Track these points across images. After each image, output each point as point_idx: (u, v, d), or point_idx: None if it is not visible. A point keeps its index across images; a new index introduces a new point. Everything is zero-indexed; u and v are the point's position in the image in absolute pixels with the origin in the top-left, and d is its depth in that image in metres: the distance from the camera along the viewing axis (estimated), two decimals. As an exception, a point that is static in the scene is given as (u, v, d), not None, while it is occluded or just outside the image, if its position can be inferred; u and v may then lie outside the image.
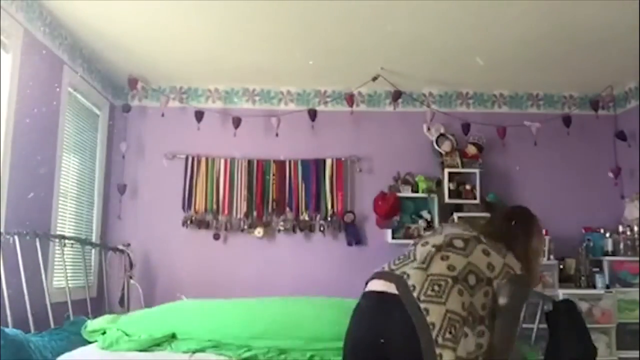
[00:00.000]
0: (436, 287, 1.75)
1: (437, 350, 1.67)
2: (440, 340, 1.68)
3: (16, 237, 2.85)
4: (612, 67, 4.20)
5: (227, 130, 4.57)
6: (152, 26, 3.63)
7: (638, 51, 3.75)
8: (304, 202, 4.52)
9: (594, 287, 4.20)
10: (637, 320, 4.07)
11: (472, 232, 1.93)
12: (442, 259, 1.82)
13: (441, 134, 4.63)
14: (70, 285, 3.38)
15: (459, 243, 1.86)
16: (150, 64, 4.29)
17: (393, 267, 1.88)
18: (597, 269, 4.27)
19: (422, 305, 1.72)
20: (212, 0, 3.25)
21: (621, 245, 4.32)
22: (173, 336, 2.73)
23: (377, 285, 1.87)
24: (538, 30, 3.58)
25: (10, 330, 2.48)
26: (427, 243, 1.90)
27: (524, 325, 3.29)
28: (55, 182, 3.61)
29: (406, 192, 4.54)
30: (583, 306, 3.99)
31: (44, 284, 3.12)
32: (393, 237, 4.50)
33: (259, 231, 4.47)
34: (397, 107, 4.63)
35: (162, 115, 4.54)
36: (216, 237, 4.50)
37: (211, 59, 4.18)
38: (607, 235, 4.40)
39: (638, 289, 4.13)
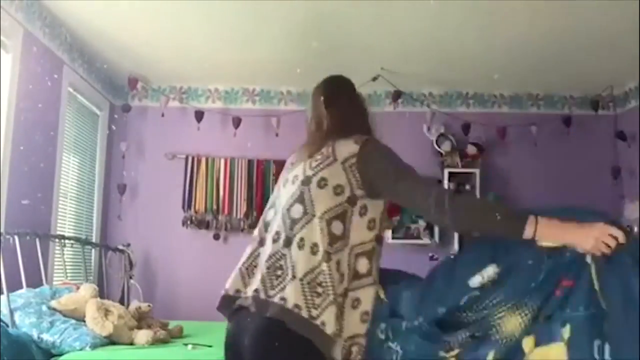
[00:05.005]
0: None
1: None
2: None
3: (16, 237, 2.85)
4: (612, 67, 4.20)
5: (227, 130, 4.57)
6: (152, 26, 3.63)
7: (638, 51, 3.75)
8: (304, 202, 4.52)
9: (594, 287, 4.20)
10: (637, 320, 4.06)
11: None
12: None
13: (441, 134, 4.63)
14: (70, 285, 3.38)
15: None
16: (150, 64, 4.30)
17: None
18: (597, 269, 4.26)
19: None
20: (212, 0, 3.25)
21: (621, 245, 4.32)
22: None
23: None
24: (538, 30, 3.58)
25: (13, 330, 2.48)
26: None
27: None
28: (55, 182, 3.61)
29: (406, 192, 4.54)
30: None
31: (44, 284, 3.11)
32: (393, 237, 4.49)
33: (259, 231, 4.47)
34: (397, 107, 4.63)
35: (162, 115, 4.54)
36: (216, 237, 4.50)
37: (211, 59, 4.18)
38: (607, 235, 4.39)
39: (638, 289, 4.12)
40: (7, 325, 2.51)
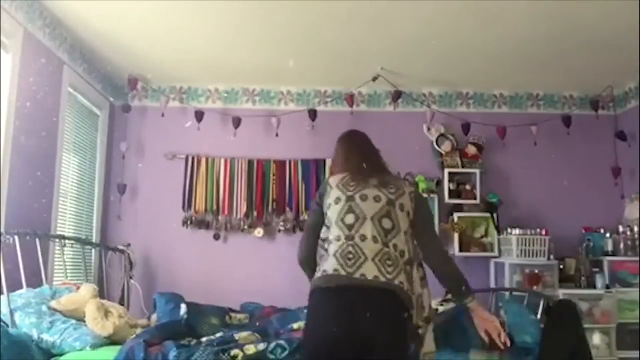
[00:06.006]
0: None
1: None
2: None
3: (16, 237, 2.85)
4: (612, 67, 4.20)
5: (227, 130, 4.57)
6: (152, 26, 3.63)
7: (638, 51, 3.75)
8: (304, 202, 4.52)
9: (594, 287, 4.20)
10: (637, 320, 4.07)
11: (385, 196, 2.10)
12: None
13: (441, 134, 4.63)
14: (70, 285, 3.38)
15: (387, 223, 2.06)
16: (150, 64, 4.29)
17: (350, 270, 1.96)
18: (597, 269, 4.27)
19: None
20: (212, 0, 3.26)
21: (621, 245, 4.32)
22: None
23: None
24: (538, 30, 3.58)
25: (13, 330, 2.48)
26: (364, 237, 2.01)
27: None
28: (55, 182, 3.61)
29: (406, 192, 4.53)
30: (583, 306, 3.99)
31: (44, 284, 3.11)
32: (393, 237, 4.49)
33: (259, 231, 4.48)
34: (397, 107, 4.63)
35: (162, 115, 4.54)
36: (216, 237, 4.50)
37: (211, 59, 4.18)
38: (607, 235, 4.40)
39: (638, 289, 4.13)
40: (7, 325, 2.51)
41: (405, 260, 2.01)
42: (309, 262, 2.15)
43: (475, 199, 4.51)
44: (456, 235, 4.47)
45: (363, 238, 1.99)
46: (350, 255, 1.96)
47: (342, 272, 1.94)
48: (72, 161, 3.98)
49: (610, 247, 4.35)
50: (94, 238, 4.31)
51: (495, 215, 4.52)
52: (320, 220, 2.12)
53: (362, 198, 2.06)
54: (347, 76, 4.45)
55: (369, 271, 1.93)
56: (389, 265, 1.96)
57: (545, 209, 4.62)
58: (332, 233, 2.03)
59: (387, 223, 2.02)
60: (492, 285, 4.46)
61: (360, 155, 2.25)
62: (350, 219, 2.02)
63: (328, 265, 1.99)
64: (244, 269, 4.50)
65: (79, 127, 4.10)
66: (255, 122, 4.61)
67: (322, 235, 2.09)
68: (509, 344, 2.06)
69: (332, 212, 2.08)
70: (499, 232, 4.47)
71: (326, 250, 2.03)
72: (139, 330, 2.87)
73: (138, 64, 4.28)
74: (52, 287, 3.06)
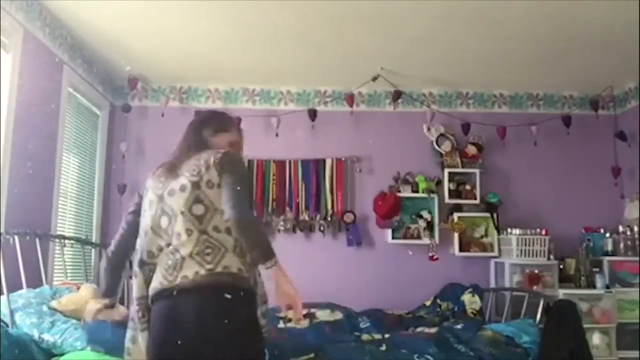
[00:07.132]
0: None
1: None
2: None
3: (16, 237, 2.85)
4: (612, 67, 4.20)
5: (227, 130, 4.56)
6: (152, 26, 3.63)
7: (638, 51, 3.75)
8: (304, 202, 4.53)
9: (594, 287, 4.20)
10: (637, 320, 4.07)
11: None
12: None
13: (441, 134, 4.63)
14: (70, 285, 3.37)
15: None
16: (150, 64, 4.29)
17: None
18: (597, 269, 4.27)
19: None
20: (212, 1, 3.26)
21: (621, 245, 4.33)
22: None
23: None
24: (538, 30, 3.59)
25: (13, 330, 2.48)
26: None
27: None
28: (55, 182, 3.60)
29: (406, 192, 4.54)
30: (583, 306, 3.99)
31: (44, 284, 3.11)
32: (393, 237, 4.50)
33: (258, 231, 4.47)
34: (397, 107, 4.63)
35: (162, 115, 4.54)
36: (216, 237, 4.48)
37: (211, 59, 4.18)
38: (607, 235, 4.40)
39: (638, 289, 4.13)
40: (7, 325, 2.51)
41: (236, 238, 1.82)
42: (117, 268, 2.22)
43: (475, 199, 4.52)
44: (456, 235, 4.48)
45: (178, 237, 1.82)
46: (170, 262, 1.81)
47: (165, 283, 1.79)
48: (72, 161, 3.98)
49: (610, 247, 4.36)
50: (94, 238, 4.31)
51: (495, 215, 4.52)
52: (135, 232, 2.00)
53: (170, 193, 1.94)
54: (347, 76, 4.45)
55: (189, 270, 1.77)
56: (208, 255, 1.78)
57: (545, 209, 4.62)
58: (151, 244, 1.89)
59: (198, 209, 1.84)
60: (492, 285, 4.46)
61: (183, 141, 2.22)
62: (165, 222, 1.88)
63: (156, 279, 1.85)
64: (244, 269, 4.49)
65: (79, 127, 4.10)
66: (255, 122, 4.61)
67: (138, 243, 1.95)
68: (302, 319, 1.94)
69: (147, 219, 1.95)
70: (499, 232, 4.47)
71: (146, 263, 1.91)
72: None
73: (138, 64, 4.28)
74: (53, 287, 3.05)
